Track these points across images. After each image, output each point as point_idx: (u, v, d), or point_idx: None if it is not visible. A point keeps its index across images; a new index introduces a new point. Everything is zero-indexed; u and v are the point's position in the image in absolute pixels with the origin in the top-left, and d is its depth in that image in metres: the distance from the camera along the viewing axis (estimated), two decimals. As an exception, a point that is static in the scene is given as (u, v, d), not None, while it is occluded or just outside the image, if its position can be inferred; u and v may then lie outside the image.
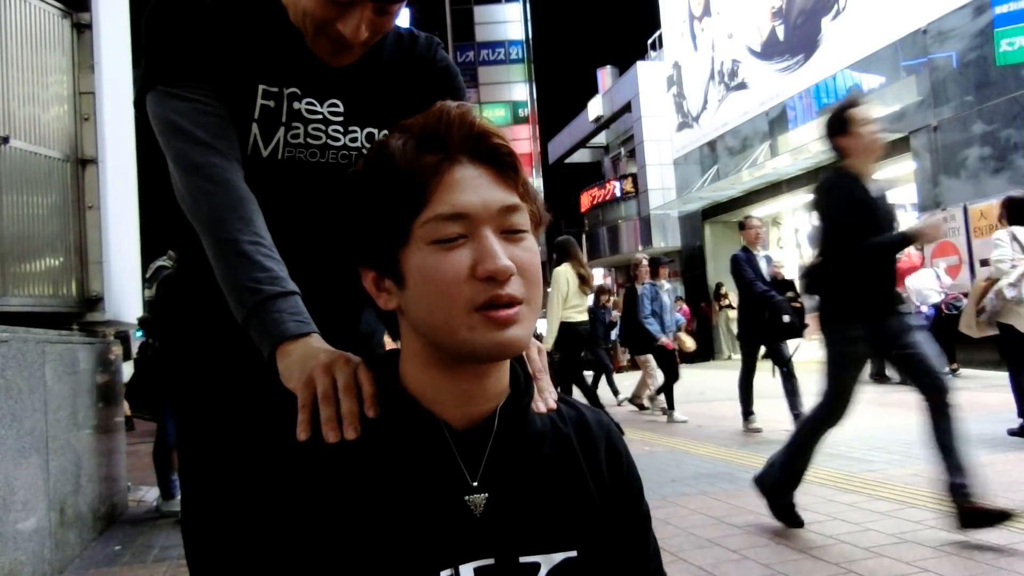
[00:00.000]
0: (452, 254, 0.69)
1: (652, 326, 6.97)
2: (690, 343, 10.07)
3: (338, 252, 0.81)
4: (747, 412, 6.07)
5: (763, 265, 6.10)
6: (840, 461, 4.50)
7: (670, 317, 7.28)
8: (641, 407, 8.17)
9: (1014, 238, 4.57)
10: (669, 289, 7.50)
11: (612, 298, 10.00)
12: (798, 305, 5.92)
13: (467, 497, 0.72)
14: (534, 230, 0.75)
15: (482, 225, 0.70)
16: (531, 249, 0.73)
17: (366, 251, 0.75)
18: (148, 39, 1.04)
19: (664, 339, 6.91)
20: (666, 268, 7.60)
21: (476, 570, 0.70)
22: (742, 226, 6.37)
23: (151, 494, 4.43)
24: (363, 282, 0.77)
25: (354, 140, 1.11)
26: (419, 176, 0.70)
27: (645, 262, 7.77)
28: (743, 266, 5.99)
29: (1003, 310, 4.51)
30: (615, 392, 9.01)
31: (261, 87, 1.04)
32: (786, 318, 5.69)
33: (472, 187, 0.70)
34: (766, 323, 5.78)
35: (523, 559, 0.72)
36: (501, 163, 0.72)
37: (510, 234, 0.72)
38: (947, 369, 8.94)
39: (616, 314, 9.45)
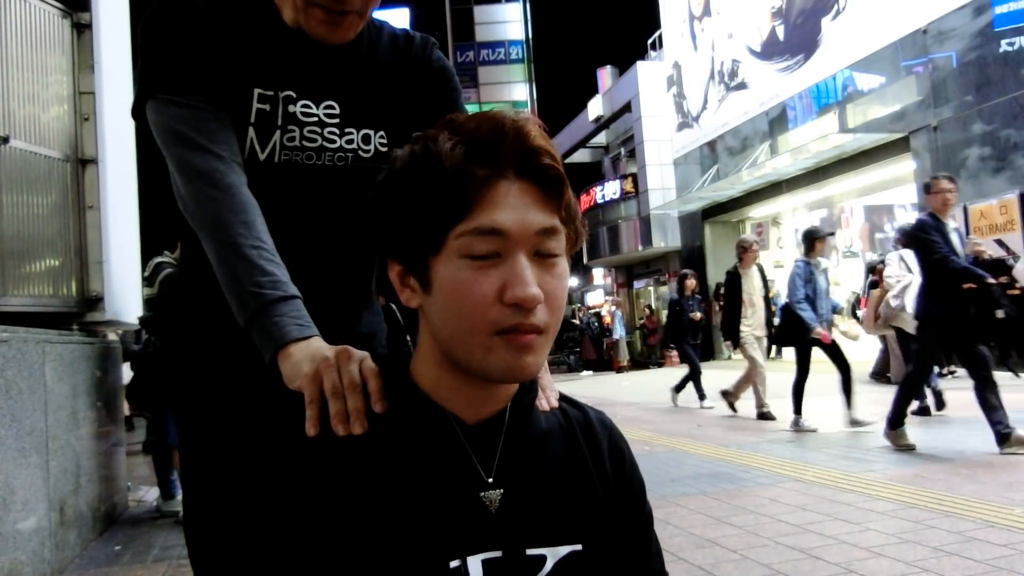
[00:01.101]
0: (482, 273, 0.69)
1: (806, 312, 5.68)
2: (856, 330, 7.98)
3: (356, 242, 0.80)
4: (1005, 429, 4.30)
5: (955, 239, 4.56)
6: (840, 461, 4.50)
7: (826, 303, 5.94)
8: (732, 406, 7.12)
9: (901, 259, 6.03)
10: (827, 268, 6.10)
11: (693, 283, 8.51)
12: (1016, 292, 4.60)
13: (483, 494, 0.73)
14: (569, 251, 0.75)
15: (517, 247, 0.69)
16: (561, 275, 0.72)
17: (396, 246, 0.75)
18: (144, 48, 1.04)
19: (819, 329, 5.65)
20: (825, 242, 6.02)
21: (484, 562, 0.71)
22: (928, 188, 4.78)
23: (151, 494, 4.43)
24: (388, 272, 0.77)
25: (350, 142, 1.10)
26: (463, 187, 0.69)
27: (756, 246, 6.63)
28: (932, 235, 4.39)
29: (892, 316, 6.00)
30: (701, 395, 7.98)
31: (256, 91, 1.04)
32: (1000, 312, 4.23)
33: (514, 205, 0.69)
34: (971, 316, 4.29)
35: (530, 552, 0.73)
36: (547, 183, 0.71)
37: (544, 257, 0.71)
38: (944, 370, 9.01)
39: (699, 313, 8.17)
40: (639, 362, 19.29)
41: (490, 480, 0.74)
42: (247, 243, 0.93)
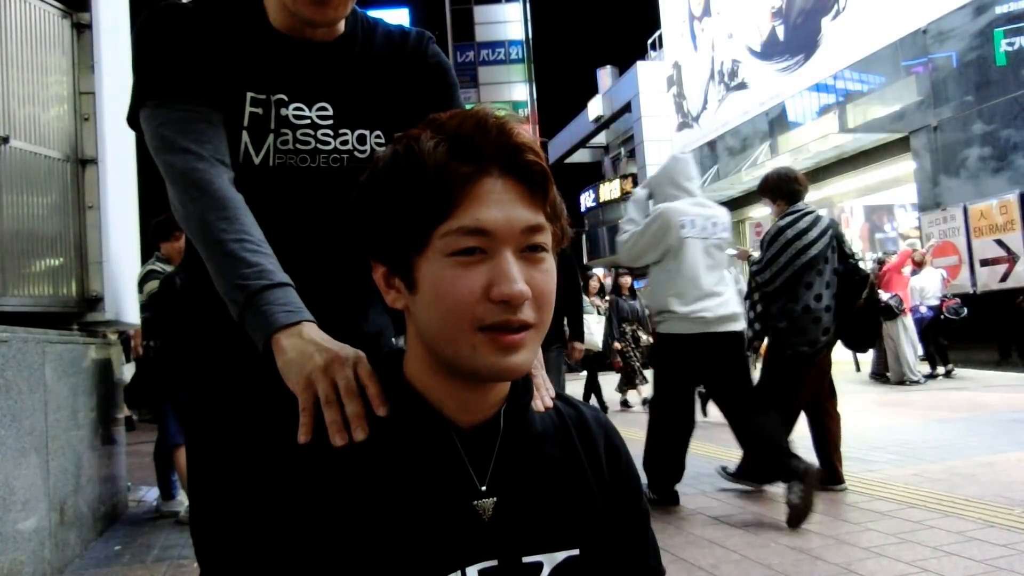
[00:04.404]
0: (468, 271, 0.68)
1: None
2: None
3: (348, 243, 0.79)
4: None
5: None
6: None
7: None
8: None
9: None
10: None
11: None
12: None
13: (476, 502, 0.72)
14: (555, 248, 0.74)
15: (503, 244, 0.68)
16: (548, 271, 0.72)
17: (380, 248, 0.74)
18: (136, 56, 1.05)
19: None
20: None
21: (480, 571, 0.70)
22: None
23: (151, 494, 4.43)
24: (373, 274, 0.76)
25: (345, 143, 1.09)
26: (447, 185, 0.68)
27: None
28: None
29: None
30: None
31: (249, 95, 1.04)
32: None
33: (498, 203, 0.68)
34: None
35: (526, 559, 0.72)
36: (532, 180, 0.70)
37: (530, 254, 0.70)
38: (943, 370, 9.03)
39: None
40: (639, 362, 19.28)
41: (483, 488, 0.73)
42: (230, 238, 0.93)
